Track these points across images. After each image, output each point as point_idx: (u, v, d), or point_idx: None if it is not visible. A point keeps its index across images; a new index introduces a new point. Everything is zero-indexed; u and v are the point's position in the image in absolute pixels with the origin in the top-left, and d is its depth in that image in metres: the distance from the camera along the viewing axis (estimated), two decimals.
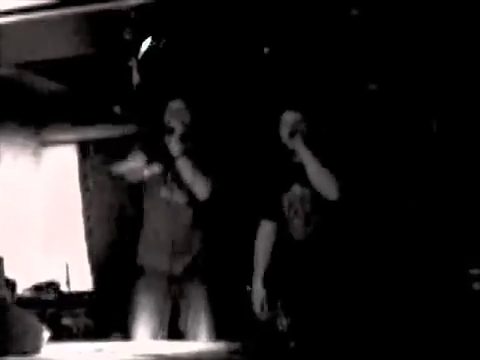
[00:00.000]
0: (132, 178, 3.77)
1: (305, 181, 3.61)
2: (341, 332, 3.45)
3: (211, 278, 3.87)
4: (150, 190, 3.80)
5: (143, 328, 3.72)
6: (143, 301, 3.73)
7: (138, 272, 3.81)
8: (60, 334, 3.48)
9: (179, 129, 3.68)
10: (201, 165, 3.67)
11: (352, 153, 3.86)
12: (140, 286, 3.77)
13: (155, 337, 3.67)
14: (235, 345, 3.02)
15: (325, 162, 3.56)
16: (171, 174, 3.71)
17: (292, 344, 3.22)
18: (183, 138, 3.68)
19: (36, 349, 2.88)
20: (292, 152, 3.69)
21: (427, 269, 4.36)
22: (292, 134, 3.62)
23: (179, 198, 3.74)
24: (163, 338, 3.68)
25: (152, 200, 3.80)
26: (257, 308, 3.70)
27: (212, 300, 3.78)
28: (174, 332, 3.77)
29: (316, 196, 3.60)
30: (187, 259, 3.73)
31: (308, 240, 3.63)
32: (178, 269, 3.70)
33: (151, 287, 3.73)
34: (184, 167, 3.65)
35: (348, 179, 3.60)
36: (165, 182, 3.73)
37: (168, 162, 3.71)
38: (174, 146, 3.65)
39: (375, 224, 4.30)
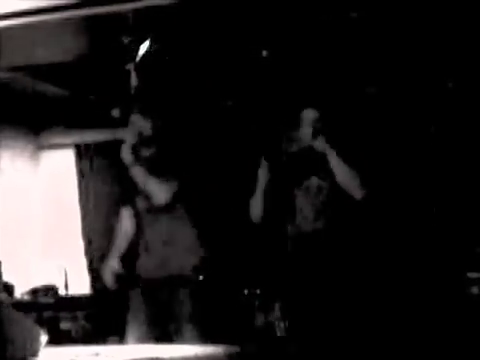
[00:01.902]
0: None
1: (324, 175, 3.63)
2: (340, 335, 3.45)
3: (203, 281, 3.87)
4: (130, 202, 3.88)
5: (135, 332, 3.74)
6: (136, 306, 3.77)
7: (134, 280, 3.85)
8: (58, 338, 3.47)
9: (130, 139, 3.75)
10: (157, 171, 3.72)
11: (373, 153, 3.89)
12: (134, 293, 3.81)
13: (147, 341, 3.69)
14: (233, 349, 3.02)
15: (348, 161, 3.58)
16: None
17: (291, 348, 3.22)
18: (134, 148, 3.74)
19: (34, 353, 2.87)
20: (311, 149, 3.69)
21: (425, 272, 4.36)
22: (315, 134, 3.63)
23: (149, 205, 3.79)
24: (155, 342, 3.69)
25: (133, 211, 3.87)
26: None
27: (203, 304, 3.79)
28: (165, 336, 3.78)
29: (334, 189, 3.61)
30: (176, 263, 3.75)
31: (317, 232, 3.63)
32: (166, 273, 3.74)
33: (144, 293, 3.77)
34: (137, 175, 3.73)
35: (371, 179, 3.62)
36: (138, 192, 3.80)
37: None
38: (125, 156, 3.73)
39: (382, 225, 4.31)
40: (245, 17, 4.08)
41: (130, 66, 4.44)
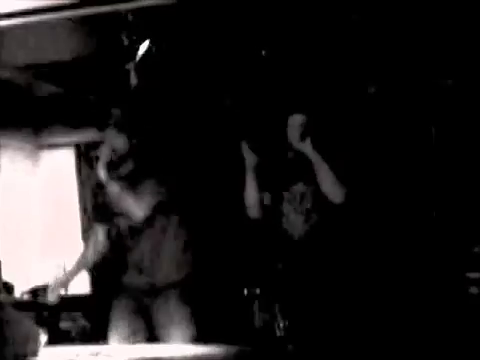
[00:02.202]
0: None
1: (309, 180, 3.63)
2: (339, 335, 3.45)
3: (197, 286, 3.87)
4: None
5: (121, 334, 3.74)
6: (121, 309, 3.77)
7: (120, 288, 3.86)
8: (57, 337, 3.47)
9: (105, 156, 3.72)
10: (135, 187, 3.70)
11: (358, 157, 3.88)
12: (120, 298, 3.82)
13: (136, 342, 3.69)
14: (233, 349, 3.02)
15: (332, 166, 3.58)
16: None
17: (290, 348, 3.22)
18: (109, 165, 3.72)
19: (33, 353, 2.88)
20: (297, 153, 3.69)
21: (425, 273, 4.36)
22: (302, 137, 3.64)
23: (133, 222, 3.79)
24: (145, 342, 3.70)
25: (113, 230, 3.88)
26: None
27: (196, 304, 3.78)
28: (158, 336, 3.77)
29: (319, 195, 3.61)
30: (163, 275, 3.76)
31: (306, 238, 3.64)
32: (155, 285, 3.74)
33: (131, 294, 3.77)
34: (111, 192, 3.70)
35: (353, 183, 3.62)
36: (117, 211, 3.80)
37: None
38: (100, 173, 3.70)
39: (374, 227, 4.31)
40: (244, 18, 4.09)
41: (130, 66, 4.44)
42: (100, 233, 3.92)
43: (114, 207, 3.78)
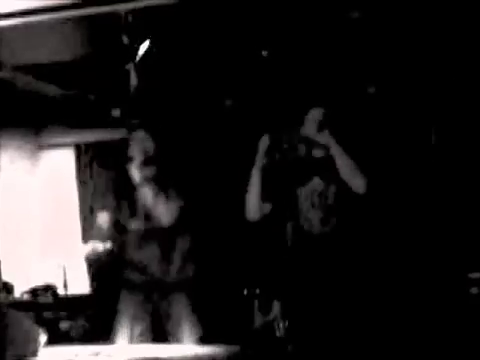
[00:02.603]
0: (93, 259, 3.87)
1: (326, 175, 3.63)
2: (339, 335, 3.45)
3: (197, 286, 3.88)
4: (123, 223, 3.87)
5: (126, 333, 3.74)
6: (126, 307, 3.77)
7: (124, 283, 3.86)
8: (57, 337, 3.47)
9: (139, 157, 3.71)
10: (164, 191, 3.71)
11: (376, 148, 3.89)
12: (124, 295, 3.82)
13: (138, 341, 3.70)
14: (233, 349, 3.02)
15: (352, 156, 3.58)
16: (137, 204, 3.77)
17: (289, 348, 3.22)
18: (143, 166, 3.71)
19: (33, 353, 2.88)
20: (314, 146, 3.69)
21: (426, 272, 4.36)
22: (321, 128, 3.64)
23: (149, 225, 3.78)
24: (147, 342, 3.71)
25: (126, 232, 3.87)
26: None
27: (196, 304, 3.79)
28: (158, 336, 3.78)
29: (336, 190, 3.61)
30: (168, 275, 3.77)
31: (324, 235, 3.63)
32: (159, 285, 3.75)
33: (134, 295, 3.77)
34: (146, 194, 3.70)
35: (374, 174, 3.62)
36: (133, 213, 3.79)
37: (132, 191, 3.76)
38: (134, 174, 3.70)
39: (374, 228, 4.31)
40: (244, 18, 4.09)
41: (130, 66, 4.44)
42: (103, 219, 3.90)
43: (139, 208, 3.77)
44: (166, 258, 3.78)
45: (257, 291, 4.37)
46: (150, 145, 3.80)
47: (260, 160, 3.68)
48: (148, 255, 3.79)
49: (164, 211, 3.70)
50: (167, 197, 3.71)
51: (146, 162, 3.75)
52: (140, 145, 3.78)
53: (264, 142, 3.67)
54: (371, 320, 3.56)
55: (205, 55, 4.52)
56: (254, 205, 3.69)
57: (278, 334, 3.53)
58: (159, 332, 3.75)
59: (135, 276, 3.83)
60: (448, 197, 4.48)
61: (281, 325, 3.55)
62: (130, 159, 3.74)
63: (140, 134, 3.84)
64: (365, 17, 4.09)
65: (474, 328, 3.94)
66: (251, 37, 4.32)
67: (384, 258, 4.29)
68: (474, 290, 4.10)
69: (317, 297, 3.55)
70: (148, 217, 3.78)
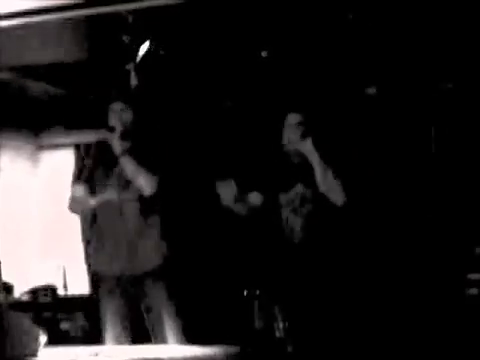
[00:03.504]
0: (75, 209, 3.84)
1: (308, 182, 3.62)
2: (338, 336, 3.45)
3: (175, 278, 3.84)
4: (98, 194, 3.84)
5: (110, 333, 3.72)
6: (107, 306, 3.75)
7: (95, 279, 3.83)
8: (57, 338, 3.47)
9: (119, 128, 3.70)
10: (145, 161, 3.69)
11: (358, 158, 3.88)
12: (102, 292, 3.79)
13: (121, 342, 3.68)
14: (233, 349, 3.02)
15: (331, 166, 3.57)
16: (115, 174, 3.75)
17: (289, 349, 3.22)
18: (124, 136, 3.70)
19: (33, 353, 2.87)
20: (295, 153, 3.68)
21: (425, 274, 4.36)
22: (303, 136, 3.62)
23: (126, 196, 3.76)
24: (128, 342, 3.69)
25: (99, 204, 3.83)
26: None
27: (176, 302, 3.76)
28: (140, 336, 3.77)
29: (318, 198, 3.60)
30: (144, 260, 3.73)
31: (306, 241, 3.63)
32: (135, 271, 3.71)
33: (111, 292, 3.75)
34: (126, 164, 3.68)
35: (353, 184, 3.61)
36: (109, 183, 3.77)
37: (111, 161, 3.74)
38: (115, 144, 3.69)
39: (374, 228, 4.30)
40: (244, 19, 4.09)
41: (130, 66, 4.44)
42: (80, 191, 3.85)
43: (115, 178, 3.75)
44: (138, 233, 3.73)
45: (257, 292, 4.37)
46: (128, 117, 3.79)
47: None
48: (120, 234, 3.74)
49: (146, 179, 3.68)
50: (149, 167, 3.68)
51: (126, 134, 3.75)
52: (119, 116, 3.77)
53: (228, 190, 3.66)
54: (370, 321, 3.56)
55: (205, 56, 4.52)
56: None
57: (278, 335, 3.52)
58: (157, 332, 3.74)
59: (106, 260, 3.77)
60: (447, 198, 4.48)
61: (281, 326, 3.54)
62: (111, 129, 3.73)
63: (119, 105, 3.82)
64: (364, 19, 4.09)
65: (473, 329, 3.94)
66: (250, 38, 4.32)
67: (383, 260, 4.29)
68: (473, 291, 4.10)
69: (317, 298, 3.55)
70: (125, 188, 3.75)
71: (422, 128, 4.57)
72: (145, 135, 3.83)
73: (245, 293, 3.86)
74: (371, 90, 4.63)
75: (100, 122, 5.29)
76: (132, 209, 3.75)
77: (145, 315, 3.74)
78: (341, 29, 4.22)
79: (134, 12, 3.85)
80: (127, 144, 3.74)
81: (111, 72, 4.59)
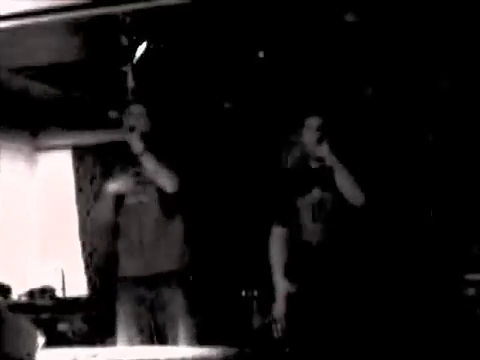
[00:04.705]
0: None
1: (326, 186, 3.62)
2: (337, 337, 3.45)
3: (192, 281, 3.84)
4: (120, 199, 3.84)
5: (124, 334, 3.72)
6: (123, 308, 3.75)
7: (120, 282, 3.83)
8: (55, 339, 3.47)
9: (140, 127, 3.72)
10: (166, 159, 3.70)
11: (374, 160, 3.88)
12: (120, 293, 3.79)
13: (135, 343, 3.68)
14: (231, 350, 3.02)
15: (350, 168, 3.57)
16: (135, 177, 3.76)
17: (287, 350, 3.22)
18: (144, 136, 3.71)
19: (31, 355, 2.87)
20: (313, 158, 3.69)
21: (423, 274, 4.36)
22: (320, 140, 3.62)
23: (145, 199, 3.76)
24: (143, 343, 3.69)
25: (122, 208, 3.84)
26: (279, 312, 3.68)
27: (192, 304, 3.76)
28: (155, 337, 3.76)
29: (336, 201, 3.60)
30: (163, 261, 3.73)
31: (323, 244, 3.62)
32: (153, 271, 3.71)
33: (130, 293, 3.75)
34: (147, 163, 3.69)
35: (372, 186, 3.62)
36: (129, 188, 3.78)
37: (131, 163, 3.76)
38: (135, 143, 3.69)
39: (387, 230, 4.32)
40: (242, 20, 4.09)
41: (127, 68, 4.44)
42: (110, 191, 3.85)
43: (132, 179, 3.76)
44: (159, 241, 3.74)
45: (255, 293, 4.38)
46: (146, 120, 3.80)
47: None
48: (141, 234, 3.75)
49: (168, 177, 3.68)
50: (169, 165, 3.69)
51: (146, 132, 3.75)
52: (140, 117, 3.78)
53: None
54: (369, 322, 3.56)
55: (203, 57, 4.53)
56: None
57: (276, 336, 3.53)
58: (160, 333, 3.73)
59: (128, 261, 3.78)
60: (446, 199, 4.49)
61: (279, 327, 3.55)
62: (131, 129, 3.73)
63: (138, 108, 3.83)
64: (363, 22, 4.10)
65: (470, 329, 3.94)
66: (249, 39, 4.33)
67: (382, 260, 4.29)
68: (471, 291, 4.10)
69: (316, 300, 3.55)
70: (146, 190, 3.76)
71: (428, 129, 4.59)
72: (163, 135, 3.83)
73: (243, 294, 3.87)
74: (372, 92, 4.64)
75: (99, 124, 5.32)
76: (152, 212, 3.75)
77: (156, 316, 3.74)
78: (354, 34, 4.21)
79: (132, 13, 3.85)
80: (146, 144, 3.74)
81: (109, 73, 4.60)
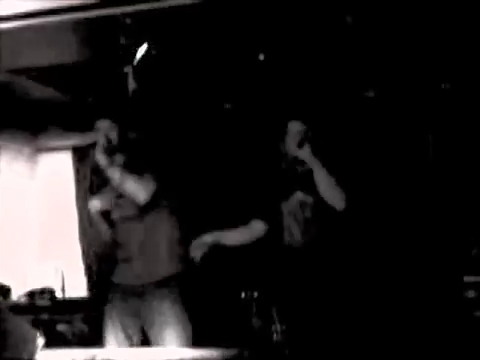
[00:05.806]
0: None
1: (308, 189, 3.62)
2: (335, 340, 3.45)
3: (187, 286, 3.84)
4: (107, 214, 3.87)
5: (114, 337, 3.72)
6: (114, 311, 3.75)
7: (112, 287, 3.84)
8: (55, 340, 3.47)
9: (102, 142, 3.72)
10: (139, 170, 3.70)
11: (357, 163, 3.88)
12: (113, 298, 3.80)
13: (126, 345, 3.68)
14: (230, 352, 3.02)
15: (332, 172, 3.57)
16: (115, 192, 3.76)
17: (286, 352, 3.22)
18: (108, 150, 3.72)
19: (30, 356, 2.87)
20: (296, 161, 3.70)
21: (422, 276, 4.36)
22: (301, 144, 3.63)
23: (129, 212, 3.77)
24: (135, 346, 3.69)
25: (112, 222, 3.86)
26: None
27: (187, 309, 3.76)
28: (145, 340, 3.76)
29: (318, 204, 3.61)
30: (155, 269, 3.74)
31: (306, 247, 3.63)
32: (146, 281, 3.71)
33: (121, 298, 3.75)
34: (113, 176, 3.68)
35: (354, 189, 3.62)
36: (112, 203, 3.79)
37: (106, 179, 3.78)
38: (99, 158, 3.70)
39: (371, 232, 4.31)
40: (242, 22, 4.09)
41: (128, 69, 4.45)
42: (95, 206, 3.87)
43: (112, 192, 3.77)
44: (150, 250, 3.74)
45: (255, 294, 4.38)
46: (114, 134, 3.81)
47: None
48: (132, 245, 3.76)
49: (136, 188, 3.67)
50: (139, 178, 3.68)
51: (109, 146, 3.76)
52: (104, 132, 3.79)
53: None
54: (367, 324, 3.57)
55: (204, 58, 4.53)
56: None
57: (275, 338, 3.53)
58: (154, 335, 3.73)
59: (121, 270, 3.79)
60: (445, 201, 4.49)
61: (278, 329, 3.55)
62: (93, 145, 3.76)
63: (105, 123, 3.84)
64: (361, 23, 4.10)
65: (470, 331, 3.94)
66: (249, 41, 4.33)
67: (381, 262, 4.29)
68: (470, 294, 4.11)
69: (315, 301, 3.55)
70: (122, 203, 3.77)
71: (418, 131, 4.59)
72: (135, 147, 3.83)
73: (243, 295, 3.87)
74: (370, 94, 4.64)
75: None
76: (137, 224, 3.76)
77: (149, 318, 3.73)
78: (343, 34, 4.21)
79: (132, 15, 3.85)
80: (114, 157, 3.76)
81: (110, 75, 4.60)
